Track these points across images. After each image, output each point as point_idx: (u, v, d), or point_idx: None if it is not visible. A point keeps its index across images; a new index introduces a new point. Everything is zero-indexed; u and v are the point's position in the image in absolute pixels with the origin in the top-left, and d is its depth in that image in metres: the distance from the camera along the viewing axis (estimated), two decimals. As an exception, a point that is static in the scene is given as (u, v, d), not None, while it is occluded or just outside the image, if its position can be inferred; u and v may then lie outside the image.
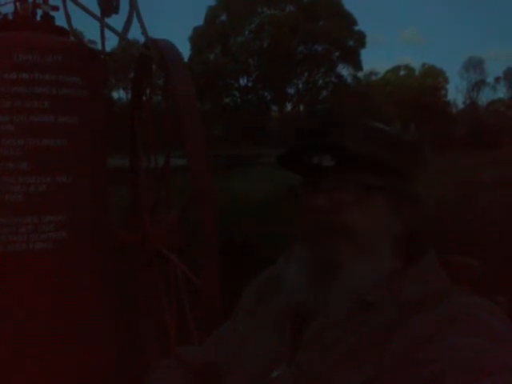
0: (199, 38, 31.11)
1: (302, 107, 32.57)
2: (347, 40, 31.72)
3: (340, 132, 0.79)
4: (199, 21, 38.13)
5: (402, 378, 0.64)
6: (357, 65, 33.16)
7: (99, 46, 2.26)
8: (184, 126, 1.90)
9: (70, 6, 2.10)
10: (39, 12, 2.11)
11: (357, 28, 31.90)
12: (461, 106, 38.23)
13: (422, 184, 0.84)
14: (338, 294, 0.75)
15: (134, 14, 2.13)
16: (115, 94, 27.81)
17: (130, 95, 2.71)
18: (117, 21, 2.17)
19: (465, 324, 0.65)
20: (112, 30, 2.10)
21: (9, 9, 2.09)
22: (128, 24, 2.12)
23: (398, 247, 0.79)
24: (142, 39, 2.24)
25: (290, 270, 0.82)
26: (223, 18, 31.89)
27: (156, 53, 2.09)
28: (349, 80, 33.40)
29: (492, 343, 0.61)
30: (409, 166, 0.81)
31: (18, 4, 2.06)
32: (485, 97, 37.74)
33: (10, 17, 2.12)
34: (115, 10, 2.10)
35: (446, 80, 38.31)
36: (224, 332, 0.99)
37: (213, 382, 0.89)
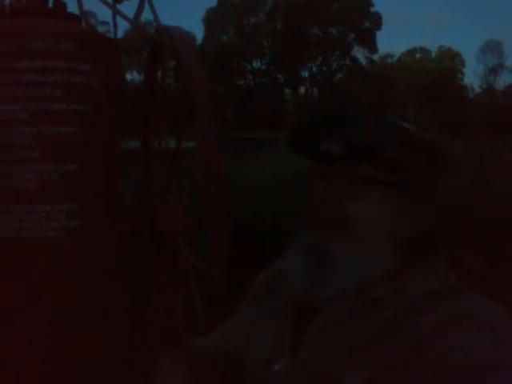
0: (212, 19, 30.87)
1: (315, 90, 32.28)
2: (363, 22, 31.25)
3: (350, 122, 0.77)
4: (212, 2, 37.83)
5: (405, 377, 0.64)
6: (372, 47, 32.71)
7: (111, 28, 2.26)
8: (195, 117, 1.90)
9: (82, -8, 2.10)
10: (51, -2, 2.11)
11: (373, 9, 31.41)
12: (477, 90, 37.62)
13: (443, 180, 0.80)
14: (332, 287, 0.75)
15: (146, 0, 2.12)
16: (128, 76, 27.86)
17: (142, 76, 2.70)
18: (129, 7, 2.17)
19: (468, 323, 0.65)
20: (123, 16, 2.10)
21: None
22: (139, 10, 2.12)
23: (404, 246, 0.79)
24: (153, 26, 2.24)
25: (291, 260, 0.82)
26: (237, -1, 31.58)
27: (167, 40, 2.09)
28: (364, 63, 32.99)
29: (495, 341, 0.61)
30: (424, 166, 0.77)
31: (29, -10, 2.06)
32: (502, 81, 37.00)
33: (23, 3, 2.12)
34: (127, -4, 2.11)
35: (463, 63, 37.66)
36: (231, 324, 1.00)
37: (221, 373, 0.91)
